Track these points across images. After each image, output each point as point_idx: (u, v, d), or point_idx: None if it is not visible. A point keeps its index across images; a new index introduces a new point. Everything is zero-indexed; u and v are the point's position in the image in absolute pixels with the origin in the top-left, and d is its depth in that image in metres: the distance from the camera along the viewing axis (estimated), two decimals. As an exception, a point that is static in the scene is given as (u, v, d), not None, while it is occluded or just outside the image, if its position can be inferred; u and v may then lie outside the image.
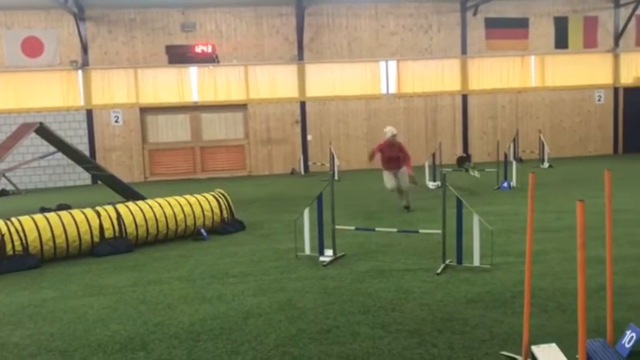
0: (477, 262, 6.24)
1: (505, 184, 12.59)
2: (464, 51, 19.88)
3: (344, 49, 19.48)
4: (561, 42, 20.26)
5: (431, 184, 13.44)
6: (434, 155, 14.12)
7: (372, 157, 10.35)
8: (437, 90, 19.92)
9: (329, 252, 7.03)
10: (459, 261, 6.33)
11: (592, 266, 5.81)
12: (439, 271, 6.19)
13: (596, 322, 4.37)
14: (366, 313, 5.01)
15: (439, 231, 6.47)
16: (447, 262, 6.39)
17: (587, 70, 20.45)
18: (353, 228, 7.77)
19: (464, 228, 6.32)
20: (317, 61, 19.37)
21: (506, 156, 13.46)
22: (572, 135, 20.62)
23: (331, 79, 19.50)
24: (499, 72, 20.24)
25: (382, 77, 19.78)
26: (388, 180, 10.19)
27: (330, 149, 17.25)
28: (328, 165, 17.59)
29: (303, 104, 19.37)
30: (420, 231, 7.39)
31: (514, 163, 13.14)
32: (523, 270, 5.49)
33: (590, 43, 20.34)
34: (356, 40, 19.49)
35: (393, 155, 10.06)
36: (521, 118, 20.34)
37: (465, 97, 20.08)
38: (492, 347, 4.17)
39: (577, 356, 3.49)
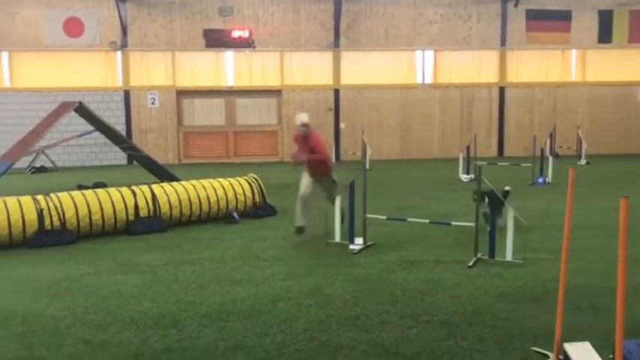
0: (509, 256, 6.18)
1: (540, 180, 12.38)
2: (503, 43, 19.51)
3: (380, 37, 19.31)
4: (605, 36, 19.69)
5: (464, 177, 13.31)
6: (468, 148, 13.97)
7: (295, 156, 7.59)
8: (474, 81, 19.62)
9: (359, 240, 7.03)
10: (491, 255, 6.27)
11: (628, 265, 5.67)
12: (470, 264, 6.14)
13: (632, 323, 4.28)
14: (395, 303, 5.01)
15: (472, 224, 6.41)
16: (479, 255, 6.33)
17: (630, 66, 19.85)
18: (384, 217, 7.73)
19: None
20: (353, 49, 19.25)
21: (542, 151, 13.23)
22: (612, 132, 20.05)
23: (367, 67, 19.37)
24: (538, 65, 19.81)
25: (418, 67, 19.57)
26: (305, 184, 7.59)
27: (363, 138, 17.16)
28: (360, 154, 17.52)
29: (337, 92, 19.32)
30: (453, 223, 7.32)
31: (550, 159, 12.91)
32: (556, 266, 5.40)
33: (635, 38, 19.70)
34: (393, 28, 19.30)
35: (307, 152, 7.55)
36: (559, 114, 19.90)
37: (502, 90, 19.75)
38: (523, 342, 4.13)
39: (610, 356, 3.43)
